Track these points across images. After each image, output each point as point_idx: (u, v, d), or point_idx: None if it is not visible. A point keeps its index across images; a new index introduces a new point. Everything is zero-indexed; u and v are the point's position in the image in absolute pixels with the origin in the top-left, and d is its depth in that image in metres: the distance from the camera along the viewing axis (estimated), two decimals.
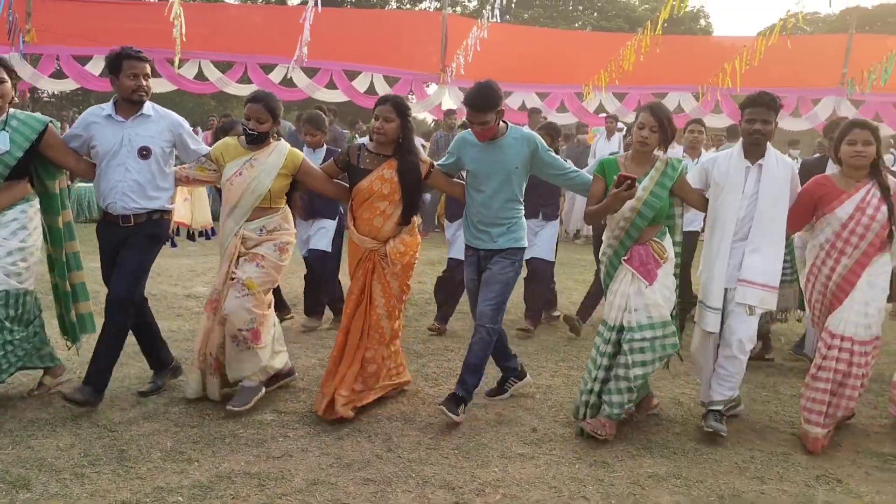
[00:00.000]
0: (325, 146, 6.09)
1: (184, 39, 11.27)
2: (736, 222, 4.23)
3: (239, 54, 13.97)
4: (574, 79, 14.74)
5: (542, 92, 15.46)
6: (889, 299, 4.32)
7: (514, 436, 4.22)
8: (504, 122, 4.36)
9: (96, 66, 13.53)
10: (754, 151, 4.24)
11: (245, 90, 14.39)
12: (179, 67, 13.20)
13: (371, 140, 4.47)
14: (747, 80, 13.34)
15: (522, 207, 4.49)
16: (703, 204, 4.43)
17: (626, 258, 4.18)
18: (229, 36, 13.45)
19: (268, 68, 14.27)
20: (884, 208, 4.15)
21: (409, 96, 15.36)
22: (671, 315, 4.24)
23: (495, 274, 4.39)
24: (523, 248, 4.50)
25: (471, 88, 4.27)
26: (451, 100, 14.98)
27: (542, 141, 4.45)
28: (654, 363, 4.17)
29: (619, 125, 13.54)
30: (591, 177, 4.44)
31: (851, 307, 4.19)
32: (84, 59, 13.53)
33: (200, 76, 14.06)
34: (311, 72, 14.46)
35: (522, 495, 3.52)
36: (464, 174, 4.56)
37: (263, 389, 4.47)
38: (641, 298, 4.13)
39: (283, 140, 4.52)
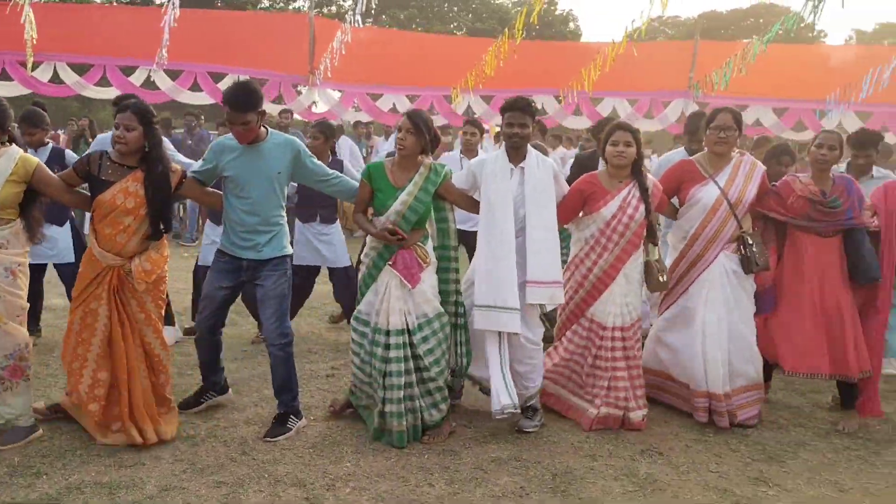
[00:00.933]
0: (49, 144, 5.77)
1: (34, 42, 10.75)
2: (511, 222, 4.37)
3: (97, 56, 13.46)
4: (443, 81, 15.07)
5: (412, 94, 15.74)
6: (651, 288, 4.77)
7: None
8: (264, 126, 4.30)
9: None
10: (515, 154, 4.44)
11: (105, 93, 13.90)
12: (33, 70, 12.59)
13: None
14: (603, 84, 14.10)
15: (285, 214, 4.42)
16: (471, 206, 4.58)
17: (390, 262, 4.27)
18: (86, 37, 12.93)
19: (128, 70, 13.83)
20: (642, 207, 4.50)
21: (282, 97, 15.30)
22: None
23: (269, 290, 4.28)
24: (289, 255, 4.41)
25: (229, 87, 4.21)
26: (322, 102, 15.03)
27: (304, 146, 4.43)
28: (444, 355, 4.38)
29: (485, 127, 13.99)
30: (356, 183, 4.56)
31: (612, 300, 4.56)
32: None
33: (56, 79, 13.46)
34: (174, 74, 14.13)
35: (371, 487, 3.75)
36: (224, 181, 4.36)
37: (40, 430, 4.19)
38: (412, 299, 4.26)
39: (14, 145, 4.07)
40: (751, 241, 4.67)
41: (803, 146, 7.56)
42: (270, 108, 14.80)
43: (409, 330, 4.25)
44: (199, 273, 6.07)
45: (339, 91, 15.49)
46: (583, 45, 15.67)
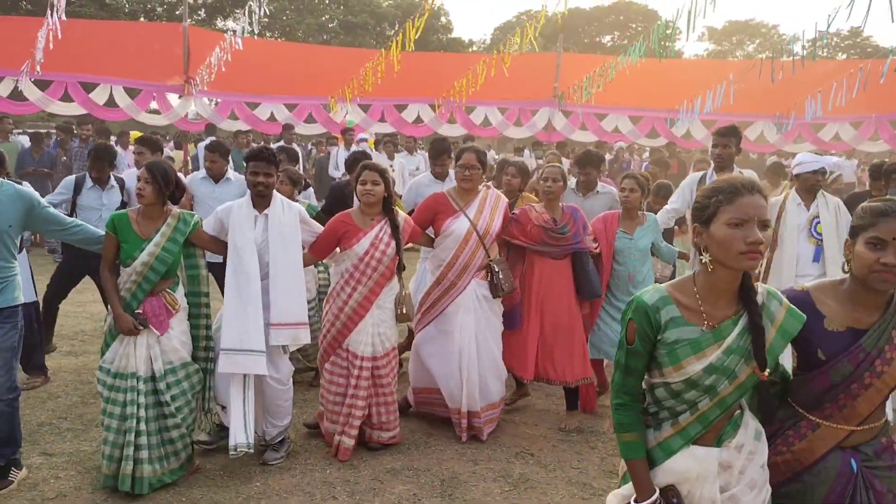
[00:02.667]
0: None
1: None
2: (255, 267, 4.49)
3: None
4: (321, 91, 15.39)
5: (290, 103, 15.96)
6: (398, 320, 5.04)
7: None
8: None
9: None
10: (260, 202, 4.60)
11: (68, 109, 13.41)
12: None
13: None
14: (475, 93, 14.87)
15: (16, 264, 4.30)
16: (223, 250, 4.63)
17: (139, 310, 4.25)
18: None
19: None
20: (393, 243, 4.80)
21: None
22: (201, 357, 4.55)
23: (2, 341, 4.15)
24: (19, 306, 4.28)
25: None
26: (199, 110, 15.00)
27: (39, 197, 4.34)
28: (189, 404, 4.41)
29: (361, 136, 14.45)
30: (101, 232, 4.47)
31: (367, 330, 4.78)
32: None
33: (18, 96, 12.84)
34: (43, 84, 13.74)
35: (282, 502, 4.20)
36: None
37: None
38: (157, 347, 4.27)
39: None
40: (497, 269, 5.08)
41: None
42: (146, 118, 14.69)
43: (154, 377, 4.26)
44: None
45: (216, 100, 15.48)
46: (459, 56, 16.35)
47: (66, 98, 14.01)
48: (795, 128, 16.80)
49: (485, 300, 5.13)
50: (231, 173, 6.72)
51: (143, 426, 4.18)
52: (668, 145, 15.86)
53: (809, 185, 5.42)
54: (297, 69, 15.38)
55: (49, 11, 9.13)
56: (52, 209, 4.40)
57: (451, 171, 6.22)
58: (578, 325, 5.33)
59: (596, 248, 5.40)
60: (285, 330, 4.57)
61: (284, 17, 40.31)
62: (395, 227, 4.80)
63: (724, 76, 14.39)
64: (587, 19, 51.42)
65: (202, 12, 41.05)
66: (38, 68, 11.40)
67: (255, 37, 13.34)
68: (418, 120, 16.51)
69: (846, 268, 2.40)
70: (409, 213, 5.39)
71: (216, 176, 6.60)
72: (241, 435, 4.44)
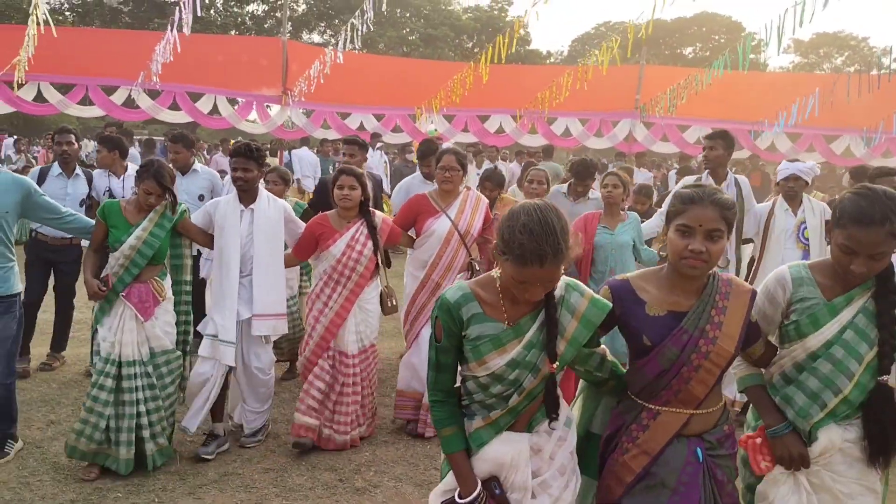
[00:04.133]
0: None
1: (26, 67, 11.38)
2: (239, 260, 4.63)
3: (80, 76, 14.07)
4: (408, 102, 16.02)
5: (378, 114, 16.66)
6: (384, 312, 5.12)
7: (378, 428, 5.28)
8: None
9: None
10: (245, 197, 4.70)
11: (87, 111, 14.54)
12: (17, 90, 13.15)
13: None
14: (558, 105, 15.25)
15: (14, 254, 4.46)
16: (208, 243, 4.78)
17: (124, 294, 4.36)
18: (71, 59, 13.52)
19: (109, 90, 14.46)
20: (370, 244, 4.84)
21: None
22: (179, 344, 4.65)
23: (0, 330, 4.33)
24: (18, 295, 4.46)
25: None
26: (295, 120, 15.85)
27: (35, 185, 4.50)
28: (167, 388, 4.50)
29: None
30: (91, 221, 4.68)
31: (350, 329, 4.84)
32: None
33: (40, 98, 14.03)
34: (154, 94, 14.81)
35: (389, 470, 4.69)
36: None
37: None
38: (142, 332, 4.38)
39: None
40: (478, 268, 5.13)
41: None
42: (246, 126, 15.60)
43: (143, 361, 4.39)
44: None
45: (310, 110, 16.30)
46: (542, 68, 16.74)
47: (174, 107, 15.04)
48: (884, 142, 16.54)
49: None
50: (197, 165, 6.77)
51: (131, 409, 4.33)
52: (751, 157, 15.86)
53: (786, 192, 5.58)
54: (385, 81, 16.05)
55: (169, 28, 9.95)
56: (48, 198, 4.55)
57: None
58: None
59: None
60: (267, 321, 4.70)
61: (367, 31, 41.38)
62: (371, 228, 4.86)
63: (811, 89, 14.35)
64: (668, 31, 50.80)
65: (289, 25, 42.50)
66: (155, 78, 12.34)
67: (344, 51, 14.01)
68: (500, 130, 16.96)
69: (662, 254, 2.57)
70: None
71: (181, 168, 6.52)
72: (192, 420, 4.64)
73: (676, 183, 13.36)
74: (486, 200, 5.50)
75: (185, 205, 4.77)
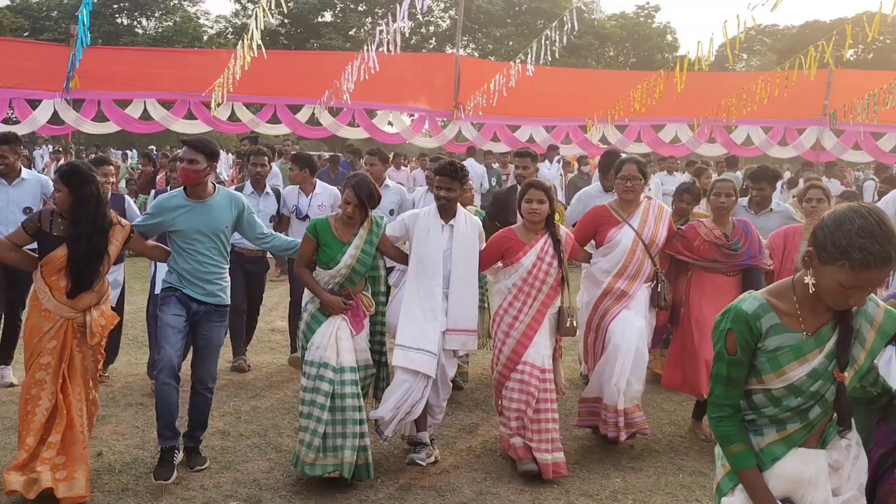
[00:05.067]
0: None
1: (230, 89, 12.10)
2: (440, 274, 4.69)
3: (269, 96, 14.83)
4: (577, 112, 15.82)
5: (549, 125, 16.53)
6: (562, 333, 4.97)
7: (618, 453, 5.10)
8: (213, 182, 4.63)
9: (135, 110, 14.31)
10: (446, 213, 4.76)
11: (275, 129, 15.33)
12: (215, 110, 14.03)
13: None
14: (743, 113, 14.56)
15: (227, 266, 4.69)
16: (400, 257, 4.89)
17: (344, 290, 4.48)
18: (258, 80, 14.26)
19: (295, 108, 15.14)
20: (557, 257, 4.77)
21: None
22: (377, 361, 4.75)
23: (213, 340, 4.59)
24: (228, 306, 4.70)
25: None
26: (465, 133, 16.00)
27: (248, 203, 4.75)
28: (360, 398, 4.47)
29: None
30: (289, 239, 4.99)
31: (543, 342, 4.77)
32: (124, 104, 14.28)
33: (233, 118, 14.90)
34: (335, 111, 15.39)
35: (649, 500, 4.49)
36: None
37: None
38: (350, 343, 4.46)
39: None
40: (663, 279, 5.13)
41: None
42: (419, 140, 15.90)
43: (356, 369, 4.49)
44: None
45: (480, 123, 16.41)
46: (721, 76, 16.02)
47: (352, 123, 15.56)
48: None
49: (650, 311, 5.19)
50: (388, 181, 6.95)
51: (354, 414, 4.36)
52: None
53: None
54: (556, 92, 15.90)
55: (366, 46, 10.25)
56: (256, 216, 4.80)
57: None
58: None
59: (770, 265, 5.22)
60: (458, 336, 4.77)
61: (510, 44, 41.43)
62: (556, 241, 4.81)
63: None
64: (825, 31, 47.53)
65: (433, 41, 43.18)
66: (345, 97, 12.80)
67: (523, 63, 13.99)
68: (675, 140, 16.40)
69: None
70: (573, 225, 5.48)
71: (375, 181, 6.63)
72: (389, 426, 4.62)
73: (876, 194, 12.44)
74: (670, 210, 5.36)
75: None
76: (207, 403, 4.68)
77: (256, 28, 9.31)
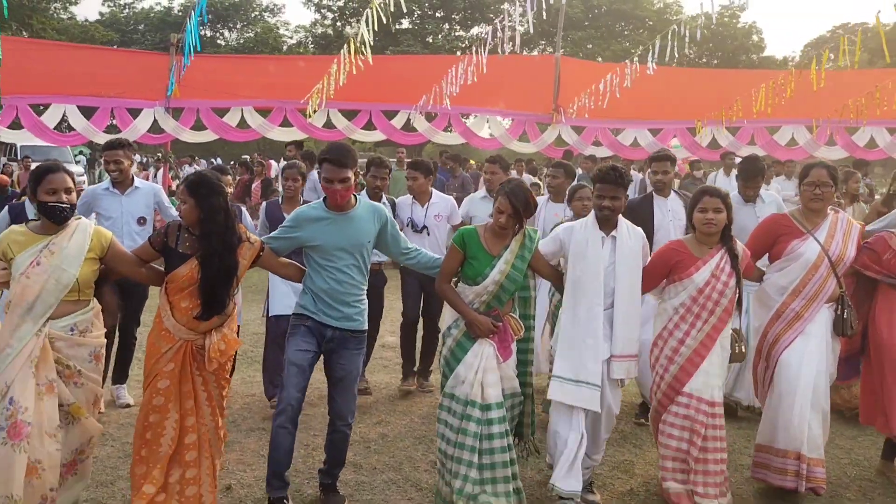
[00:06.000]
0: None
1: (330, 95, 11.78)
2: (601, 294, 4.20)
3: (363, 102, 14.50)
4: (686, 115, 15.01)
5: (654, 128, 15.74)
6: (731, 359, 4.49)
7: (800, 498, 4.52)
8: (354, 194, 4.20)
9: (233, 118, 14.17)
10: (606, 223, 4.30)
11: (370, 136, 14.99)
12: (311, 117, 13.76)
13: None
14: (877, 113, 13.54)
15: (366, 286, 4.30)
16: (554, 276, 4.46)
17: (493, 311, 4.10)
18: (355, 86, 13.92)
19: (390, 114, 14.77)
20: (735, 275, 4.28)
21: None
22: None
23: (352, 370, 4.22)
24: (366, 331, 4.32)
25: (329, 145, 4.19)
26: (566, 138, 15.36)
27: (391, 215, 4.34)
28: (508, 436, 4.07)
29: (736, 160, 13.75)
30: (434, 255, 4.45)
31: (713, 371, 4.27)
32: (222, 112, 14.17)
33: (329, 125, 14.62)
34: (430, 117, 14.95)
35: None
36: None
37: None
38: (497, 375, 4.06)
39: (83, 217, 3.92)
40: (849, 304, 4.50)
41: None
42: (517, 146, 15.35)
43: (501, 403, 4.07)
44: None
45: (581, 127, 15.75)
46: (845, 73, 14.95)
47: (448, 128, 15.11)
48: None
49: (833, 339, 4.56)
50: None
51: (502, 456, 3.98)
52: None
53: None
54: (661, 93, 15.08)
55: (474, 48, 9.75)
56: (398, 229, 4.38)
57: (763, 195, 5.88)
58: None
59: None
60: (624, 362, 4.26)
61: (589, 46, 40.57)
62: (734, 257, 4.30)
63: None
64: None
65: (510, 45, 42.60)
66: (446, 101, 12.34)
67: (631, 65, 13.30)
68: (792, 142, 15.39)
69: None
70: None
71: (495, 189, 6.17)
72: (567, 480, 4.07)
73: None
74: (859, 226, 4.71)
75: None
76: (346, 440, 4.33)
77: (368, 30, 8.87)
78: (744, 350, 4.54)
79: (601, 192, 4.26)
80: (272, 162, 22.67)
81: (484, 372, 4.00)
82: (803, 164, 4.99)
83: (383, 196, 6.21)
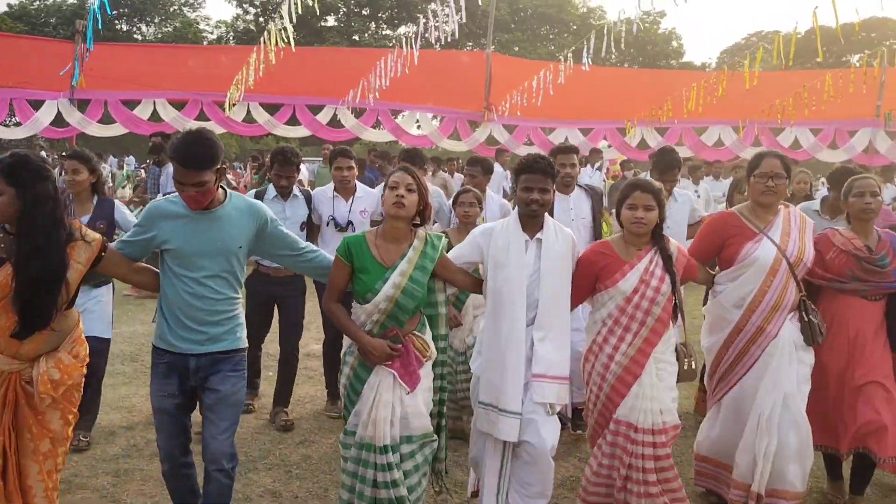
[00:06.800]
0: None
1: (250, 87, 11.12)
2: (522, 307, 3.58)
3: (287, 96, 13.85)
4: (616, 115, 14.92)
5: (585, 128, 15.61)
6: (679, 378, 3.88)
7: None
8: (223, 187, 3.40)
9: (144, 111, 13.31)
10: (532, 224, 3.68)
11: (294, 132, 14.33)
12: (230, 110, 13.05)
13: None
14: (785, 112, 13.70)
15: (241, 298, 3.47)
16: (472, 285, 3.79)
17: (390, 331, 3.42)
18: (277, 78, 13.28)
19: (315, 109, 14.18)
20: (668, 278, 3.70)
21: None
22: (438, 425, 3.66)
23: (227, 395, 3.32)
24: (244, 350, 3.45)
25: (179, 139, 3.24)
26: (498, 137, 15.06)
27: (271, 213, 3.51)
28: (422, 482, 3.50)
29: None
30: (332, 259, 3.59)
31: (643, 393, 3.67)
32: (133, 104, 13.30)
33: (249, 119, 13.91)
34: (357, 112, 14.41)
35: None
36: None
37: None
38: (401, 407, 3.37)
39: None
40: (813, 307, 3.98)
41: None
42: (448, 143, 14.96)
43: (397, 447, 3.38)
44: None
45: (513, 126, 15.48)
46: (774, 74, 15.13)
47: (377, 125, 14.61)
48: None
49: (801, 350, 3.98)
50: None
51: None
52: None
53: None
54: (592, 93, 14.97)
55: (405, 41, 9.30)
56: (285, 229, 3.58)
57: (676, 193, 5.47)
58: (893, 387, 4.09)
59: None
60: (551, 384, 3.58)
61: (516, 49, 40.72)
62: (667, 258, 3.73)
63: None
64: (831, 38, 47.11)
65: (437, 47, 42.43)
66: (371, 96, 11.84)
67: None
68: (719, 143, 15.49)
69: None
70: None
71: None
72: None
73: None
74: (812, 221, 4.22)
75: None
76: (225, 492, 3.38)
77: (290, 18, 8.29)
78: (693, 367, 3.93)
79: (528, 183, 3.60)
80: None
81: (380, 407, 3.32)
82: (729, 164, 4.53)
83: (295, 188, 5.51)
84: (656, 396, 3.67)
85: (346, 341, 3.59)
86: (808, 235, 4.10)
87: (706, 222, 4.49)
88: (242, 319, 3.46)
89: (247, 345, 3.48)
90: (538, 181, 3.58)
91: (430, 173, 14.90)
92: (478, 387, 3.69)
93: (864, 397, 4.07)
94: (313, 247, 3.72)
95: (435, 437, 3.54)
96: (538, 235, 3.65)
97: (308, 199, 5.57)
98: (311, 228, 5.56)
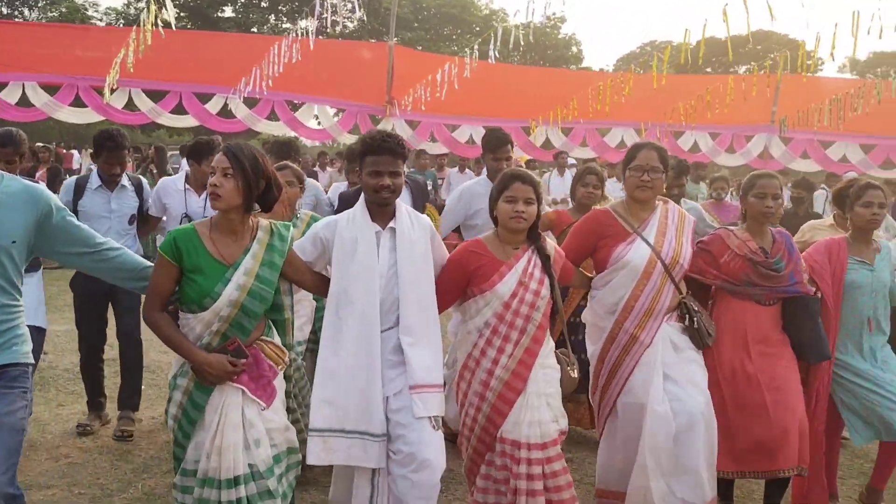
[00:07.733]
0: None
1: (130, 70, 10.14)
2: (378, 309, 3.18)
3: (173, 83, 12.87)
4: (522, 114, 14.64)
5: (489, 126, 15.23)
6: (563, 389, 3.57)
7: None
8: None
9: (12, 95, 12.06)
10: (382, 213, 3.27)
11: (181, 121, 13.35)
12: (109, 97, 11.95)
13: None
14: (691, 118, 13.79)
15: (22, 303, 2.83)
16: (321, 285, 3.30)
17: (228, 343, 2.96)
18: (163, 64, 12.27)
19: (205, 98, 13.24)
20: (547, 281, 3.42)
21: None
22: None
23: (3, 418, 2.67)
24: (27, 365, 2.81)
25: None
26: (401, 132, 14.48)
27: (59, 201, 2.88)
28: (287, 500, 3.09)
29: (570, 160, 13.61)
30: (145, 261, 3.13)
31: (528, 405, 3.32)
32: None
33: (130, 106, 12.84)
34: (251, 102, 13.54)
35: None
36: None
37: None
38: (255, 429, 2.89)
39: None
40: (696, 308, 3.74)
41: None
42: (348, 138, 14.32)
43: (255, 475, 2.87)
44: None
45: (416, 121, 14.95)
46: (678, 77, 15.24)
47: (272, 117, 13.79)
48: None
49: (687, 350, 3.71)
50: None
51: None
52: None
53: None
54: (498, 91, 14.64)
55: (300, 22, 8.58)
56: (76, 220, 2.94)
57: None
58: (795, 396, 3.79)
59: (813, 292, 3.94)
60: (430, 394, 3.19)
61: (419, 48, 40.51)
62: (545, 259, 3.42)
63: None
64: (722, 49, 49.05)
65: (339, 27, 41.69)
66: (270, 82, 11.04)
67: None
68: (621, 144, 15.49)
69: None
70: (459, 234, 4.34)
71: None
72: None
73: (827, 204, 11.83)
74: (692, 218, 3.95)
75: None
76: None
77: None
78: (575, 375, 3.53)
79: (376, 166, 3.14)
80: (74, 152, 20.14)
81: (226, 431, 2.80)
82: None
83: (124, 177, 4.85)
84: (545, 405, 3.33)
85: (175, 361, 2.99)
86: (687, 235, 3.82)
87: (580, 220, 4.07)
88: (23, 331, 2.80)
89: (30, 360, 2.81)
90: (387, 163, 3.14)
91: (336, 169, 14.28)
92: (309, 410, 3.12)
93: (761, 412, 3.73)
94: (115, 243, 3.05)
95: (298, 453, 3.08)
96: (391, 224, 3.23)
97: (139, 189, 4.95)
98: (147, 223, 5.01)
